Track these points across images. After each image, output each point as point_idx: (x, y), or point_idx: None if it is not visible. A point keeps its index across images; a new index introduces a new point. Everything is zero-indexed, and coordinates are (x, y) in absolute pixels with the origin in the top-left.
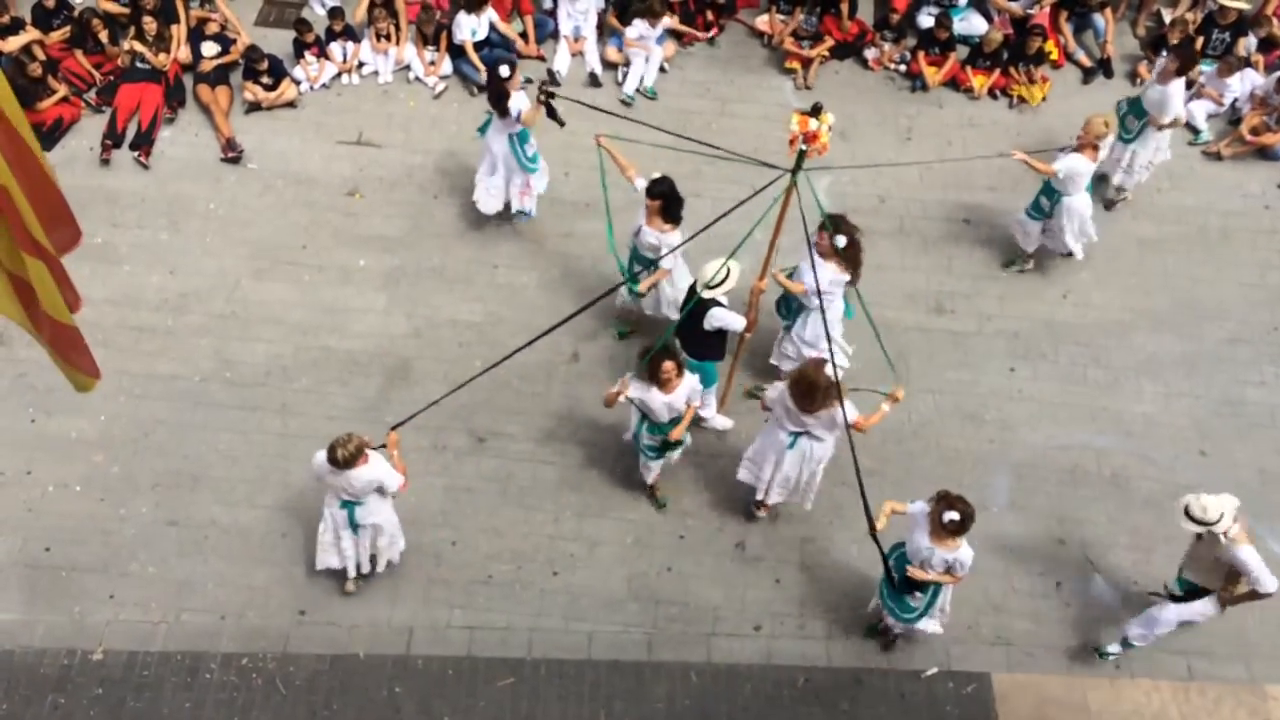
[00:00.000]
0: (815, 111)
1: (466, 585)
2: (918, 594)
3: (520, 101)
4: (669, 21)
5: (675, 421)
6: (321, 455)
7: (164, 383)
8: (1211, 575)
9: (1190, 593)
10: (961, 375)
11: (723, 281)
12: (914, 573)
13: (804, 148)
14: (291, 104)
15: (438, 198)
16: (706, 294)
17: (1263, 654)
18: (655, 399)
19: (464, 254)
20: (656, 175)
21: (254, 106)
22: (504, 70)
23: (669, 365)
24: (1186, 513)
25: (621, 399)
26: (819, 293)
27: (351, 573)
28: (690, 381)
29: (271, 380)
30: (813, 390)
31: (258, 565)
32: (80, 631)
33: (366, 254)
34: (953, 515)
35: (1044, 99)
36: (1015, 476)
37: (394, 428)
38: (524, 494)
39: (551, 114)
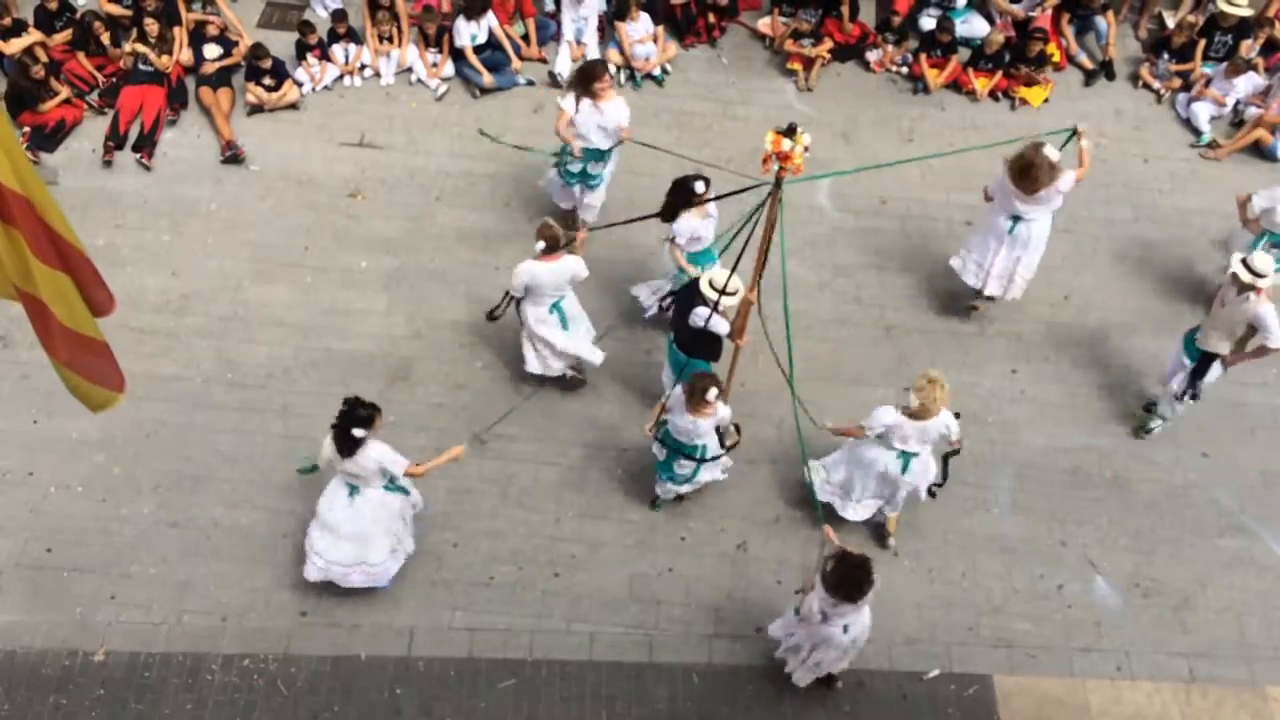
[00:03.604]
0: (790, 131)
1: (468, 587)
2: (684, 461)
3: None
4: (649, 25)
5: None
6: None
7: (166, 384)
8: (1224, 340)
9: (1200, 362)
10: (963, 376)
11: (731, 292)
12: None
13: (777, 166)
14: (294, 106)
15: (439, 199)
16: (706, 290)
17: (1264, 655)
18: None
19: (465, 255)
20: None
21: (256, 108)
22: (699, 185)
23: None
24: (1245, 265)
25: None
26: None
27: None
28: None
29: (273, 382)
30: (1030, 169)
31: (259, 567)
32: (82, 632)
33: (368, 256)
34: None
35: (1046, 101)
36: (1017, 478)
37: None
38: (525, 495)
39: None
